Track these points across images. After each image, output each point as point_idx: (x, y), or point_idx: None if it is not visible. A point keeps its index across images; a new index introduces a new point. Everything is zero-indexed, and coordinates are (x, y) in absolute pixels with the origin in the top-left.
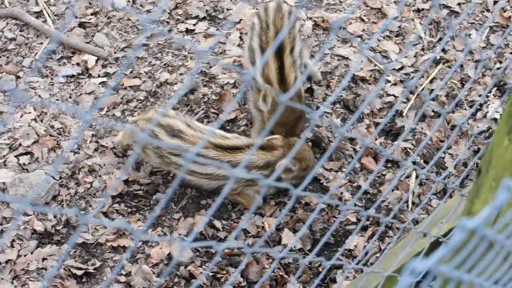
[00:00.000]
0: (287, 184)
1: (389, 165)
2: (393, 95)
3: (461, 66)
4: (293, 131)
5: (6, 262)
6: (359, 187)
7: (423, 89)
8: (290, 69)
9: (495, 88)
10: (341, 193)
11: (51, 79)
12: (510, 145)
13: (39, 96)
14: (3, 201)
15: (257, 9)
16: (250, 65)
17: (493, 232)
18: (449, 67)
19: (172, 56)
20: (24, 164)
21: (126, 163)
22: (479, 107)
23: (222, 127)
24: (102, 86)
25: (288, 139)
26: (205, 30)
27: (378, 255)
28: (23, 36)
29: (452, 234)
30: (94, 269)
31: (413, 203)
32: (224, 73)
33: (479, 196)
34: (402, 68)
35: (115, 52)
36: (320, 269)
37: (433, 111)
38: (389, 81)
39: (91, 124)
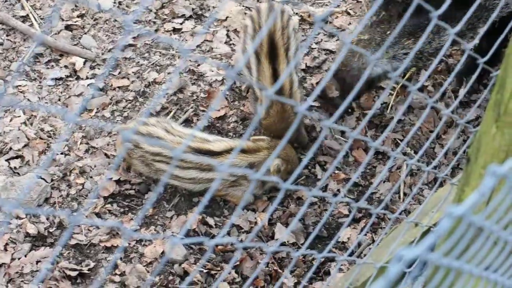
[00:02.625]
0: (276, 178)
1: (380, 157)
2: (380, 86)
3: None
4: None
5: (0, 265)
6: (349, 179)
7: (409, 79)
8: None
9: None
10: (338, 190)
11: (40, 82)
12: (497, 133)
13: (28, 99)
14: None
15: (244, 6)
16: (246, 70)
17: (481, 218)
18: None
19: (160, 56)
20: (15, 167)
21: (114, 163)
22: (466, 96)
23: (212, 125)
24: (91, 88)
25: (275, 142)
26: (192, 28)
27: (371, 246)
28: (10, 40)
29: (440, 221)
30: (88, 270)
31: (404, 193)
32: (212, 71)
33: (469, 184)
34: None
35: (102, 54)
36: (313, 262)
37: (420, 102)
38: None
39: (80, 125)
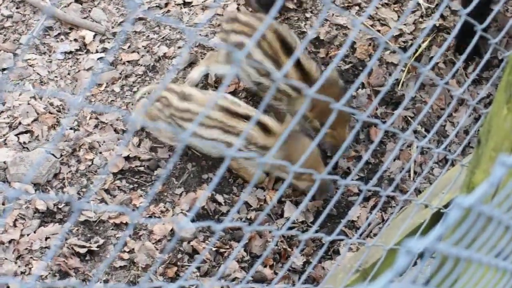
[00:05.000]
0: (284, 161)
1: (390, 134)
2: (391, 62)
3: None
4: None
5: (9, 242)
6: (359, 157)
7: (418, 58)
8: (307, 61)
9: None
10: (348, 168)
11: (49, 56)
12: (509, 115)
13: (38, 73)
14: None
15: None
16: (263, 79)
17: (490, 207)
18: (448, 33)
19: (170, 30)
20: (24, 142)
21: (125, 138)
22: (477, 75)
23: None
24: (101, 62)
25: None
26: (202, 2)
27: (380, 225)
28: (20, 13)
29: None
30: (97, 246)
31: (415, 172)
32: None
33: (480, 166)
34: (401, 35)
35: (112, 27)
36: (323, 241)
37: (431, 79)
38: (387, 49)
39: (90, 100)
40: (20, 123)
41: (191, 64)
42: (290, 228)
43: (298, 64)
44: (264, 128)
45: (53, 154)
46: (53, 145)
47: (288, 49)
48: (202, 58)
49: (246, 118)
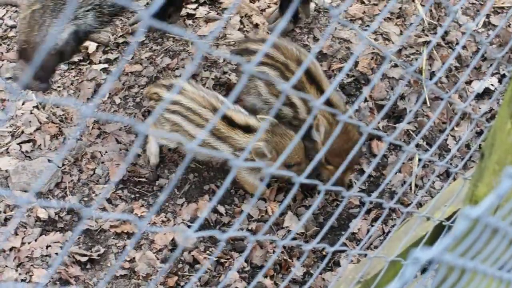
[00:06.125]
0: (289, 172)
1: (392, 147)
2: (393, 77)
3: (463, 47)
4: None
5: (10, 249)
6: (362, 170)
7: (421, 72)
8: (324, 78)
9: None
10: (350, 180)
11: None
12: None
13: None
14: (6, 193)
15: None
16: (286, 108)
17: (496, 219)
18: (451, 48)
19: (173, 41)
20: (26, 151)
21: (129, 152)
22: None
23: None
24: (104, 73)
25: (279, 128)
26: (205, 14)
27: (381, 237)
28: None
29: (455, 218)
30: (98, 255)
31: (416, 185)
32: (225, 59)
33: (483, 179)
34: (402, 49)
35: (115, 39)
36: (323, 252)
37: (433, 93)
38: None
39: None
40: (22, 132)
41: (194, 75)
42: (292, 239)
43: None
44: (248, 131)
45: (55, 163)
46: (60, 157)
47: (312, 79)
48: (205, 70)
49: (235, 125)
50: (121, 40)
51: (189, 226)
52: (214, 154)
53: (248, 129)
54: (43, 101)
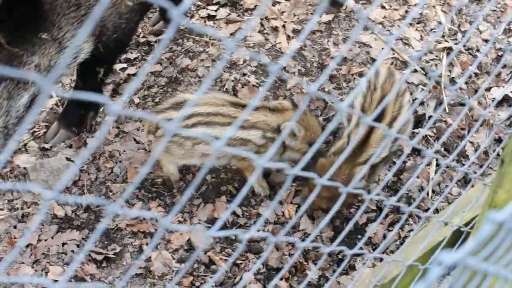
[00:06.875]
0: (282, 164)
1: (410, 151)
2: (412, 82)
3: (485, 55)
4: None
5: (27, 246)
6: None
7: (441, 78)
8: (375, 143)
9: None
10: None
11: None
12: None
13: (60, 81)
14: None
15: None
16: (345, 121)
17: None
18: (471, 54)
19: (193, 42)
20: (44, 149)
21: (150, 157)
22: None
23: None
24: (123, 72)
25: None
26: (226, 16)
27: (397, 242)
28: None
29: (475, 222)
30: (114, 254)
31: (433, 191)
32: (245, 60)
33: (502, 186)
34: (423, 54)
35: (136, 37)
36: (339, 256)
37: (452, 99)
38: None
39: None
40: (41, 129)
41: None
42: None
43: None
44: (273, 109)
45: (73, 161)
46: (73, 152)
47: None
48: (224, 71)
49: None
50: (141, 40)
51: (205, 227)
52: (238, 153)
53: (273, 109)
54: (64, 97)
